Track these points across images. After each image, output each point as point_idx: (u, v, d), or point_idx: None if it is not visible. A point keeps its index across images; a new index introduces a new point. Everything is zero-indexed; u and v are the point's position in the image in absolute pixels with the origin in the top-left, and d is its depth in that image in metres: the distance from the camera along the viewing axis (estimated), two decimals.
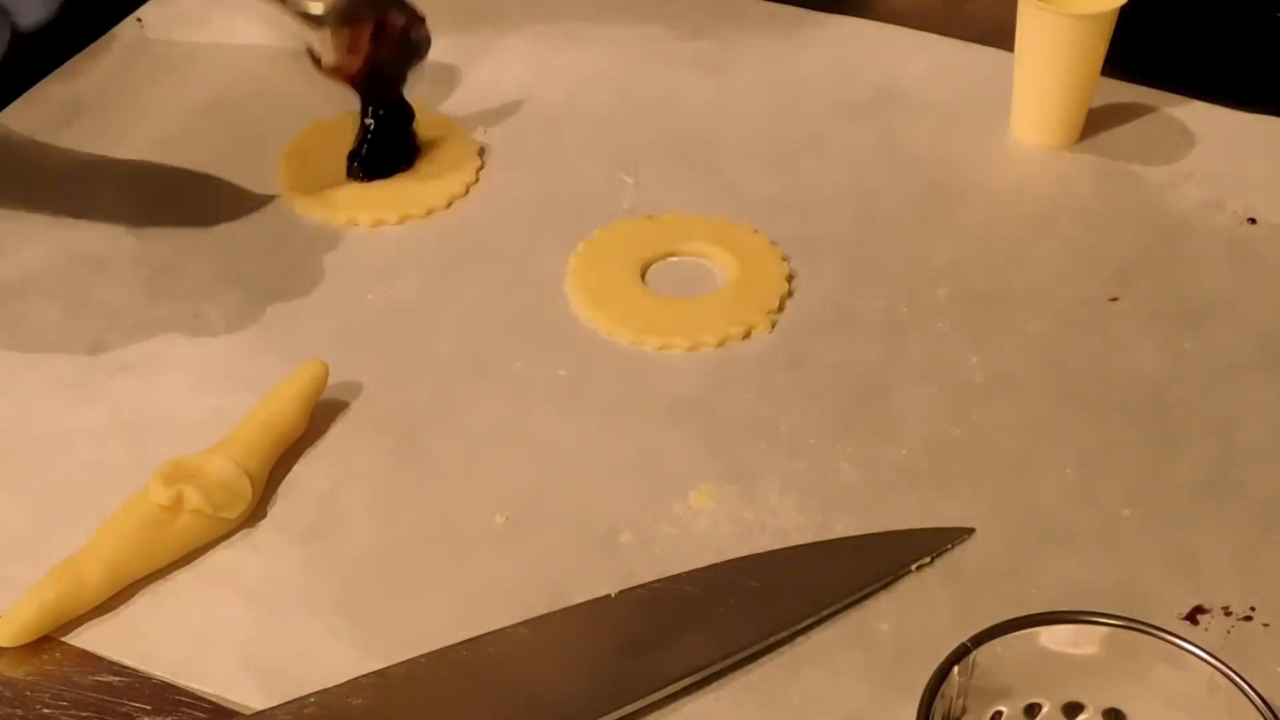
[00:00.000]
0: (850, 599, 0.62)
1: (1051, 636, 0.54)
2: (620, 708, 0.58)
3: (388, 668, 0.59)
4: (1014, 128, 0.85)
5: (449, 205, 0.80)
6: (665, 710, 0.59)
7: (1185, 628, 0.60)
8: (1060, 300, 0.75)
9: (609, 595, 0.61)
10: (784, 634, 0.60)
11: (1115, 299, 0.75)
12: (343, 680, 0.58)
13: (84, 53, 0.89)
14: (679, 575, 0.62)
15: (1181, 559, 0.63)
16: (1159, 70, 0.89)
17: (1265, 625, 0.61)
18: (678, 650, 0.59)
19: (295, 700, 0.58)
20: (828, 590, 0.62)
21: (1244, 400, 0.70)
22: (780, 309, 0.74)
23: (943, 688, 0.52)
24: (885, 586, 0.62)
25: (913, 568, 0.62)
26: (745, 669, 0.60)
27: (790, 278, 0.76)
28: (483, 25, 0.93)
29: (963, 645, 0.53)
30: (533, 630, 0.60)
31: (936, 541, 0.63)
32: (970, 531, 0.64)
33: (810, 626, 0.61)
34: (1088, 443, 0.68)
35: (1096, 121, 0.85)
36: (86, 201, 0.80)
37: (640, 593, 0.62)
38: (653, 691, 0.58)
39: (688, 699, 0.59)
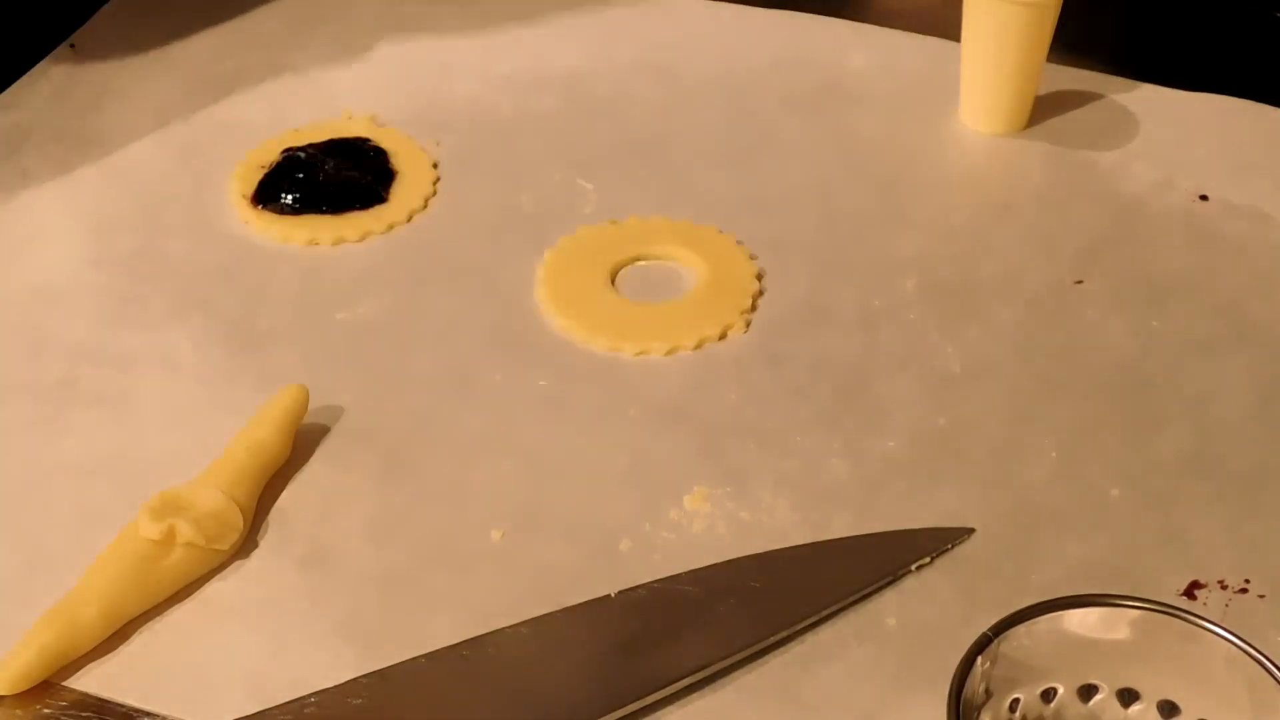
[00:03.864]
0: (850, 599, 0.62)
1: (1069, 620, 0.54)
2: (621, 707, 0.58)
3: (388, 667, 0.59)
4: (963, 116, 0.86)
5: (409, 219, 0.80)
6: (675, 709, 0.58)
7: (1184, 603, 0.61)
8: (1027, 286, 0.76)
9: (609, 595, 0.61)
10: (783, 634, 0.60)
11: (1080, 281, 0.76)
12: None
13: (19, 83, 0.87)
14: (679, 575, 0.62)
15: (1173, 535, 0.64)
16: (1102, 54, 0.90)
17: (1261, 596, 0.62)
18: (678, 650, 0.59)
19: (295, 700, 0.57)
20: (827, 590, 0.62)
21: (1214, 374, 0.72)
22: (753, 308, 0.75)
23: (968, 678, 0.52)
24: (885, 586, 0.62)
25: (912, 568, 0.63)
26: (758, 666, 0.60)
27: (760, 276, 0.76)
28: (425, 36, 0.92)
29: (985, 634, 0.53)
30: (533, 630, 0.60)
31: (936, 541, 0.64)
32: (970, 531, 0.64)
33: (811, 626, 0.61)
34: (1068, 425, 0.69)
35: (1044, 107, 0.86)
36: (36, 236, 0.78)
37: (640, 593, 0.62)
38: (652, 691, 0.58)
39: (698, 698, 0.59)
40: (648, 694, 0.58)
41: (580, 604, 0.61)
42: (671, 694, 0.59)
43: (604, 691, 0.58)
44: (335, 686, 0.58)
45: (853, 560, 0.64)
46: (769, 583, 0.62)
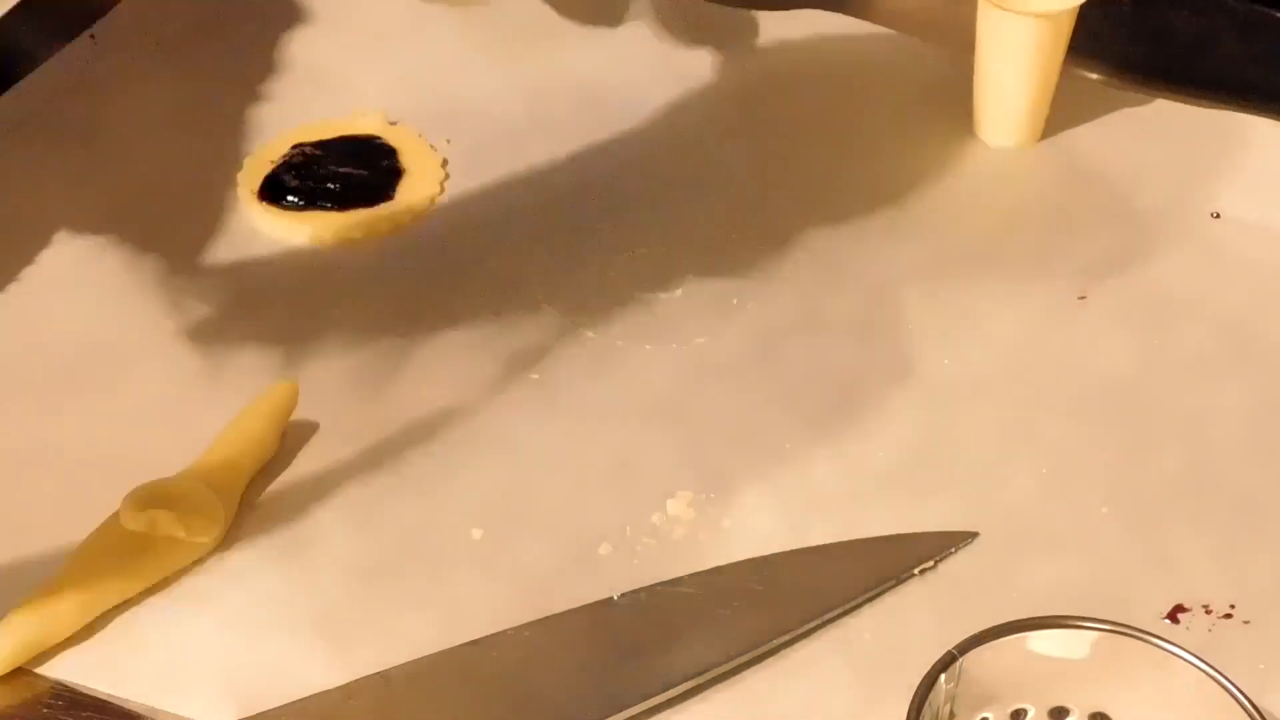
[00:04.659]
0: (853, 602, 0.62)
1: (1037, 641, 0.54)
2: (622, 710, 0.58)
3: (389, 669, 0.59)
4: (976, 127, 0.85)
5: (414, 219, 0.80)
6: None
7: (1166, 627, 0.61)
8: (1029, 300, 0.75)
9: (611, 598, 0.61)
10: (787, 637, 0.60)
11: (1084, 297, 0.75)
12: None
13: (38, 71, 0.88)
14: (681, 578, 0.62)
15: (1160, 557, 0.64)
16: (1119, 65, 0.89)
17: (1245, 623, 0.61)
18: (681, 653, 0.59)
19: (297, 701, 0.58)
20: (832, 593, 0.62)
21: (1215, 396, 0.71)
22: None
23: (930, 696, 0.52)
24: (888, 590, 0.62)
25: (916, 571, 0.62)
26: (727, 679, 0.59)
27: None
28: (443, 38, 0.92)
29: (949, 653, 0.53)
30: (535, 632, 0.60)
31: (939, 545, 0.63)
32: (973, 535, 0.64)
33: (810, 631, 0.61)
34: (1061, 442, 0.68)
35: (1057, 120, 0.85)
36: (43, 222, 0.79)
37: (642, 595, 0.62)
38: (655, 695, 0.58)
39: (671, 712, 0.59)
40: (650, 697, 0.58)
41: (582, 606, 0.61)
42: (657, 705, 0.59)
43: (605, 694, 0.58)
44: (336, 688, 0.58)
45: (856, 564, 0.63)
46: (772, 586, 0.62)
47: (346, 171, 0.80)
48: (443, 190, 0.82)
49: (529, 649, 0.60)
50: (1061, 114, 0.84)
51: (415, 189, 0.81)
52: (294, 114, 0.85)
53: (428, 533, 0.64)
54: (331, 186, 0.79)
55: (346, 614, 0.61)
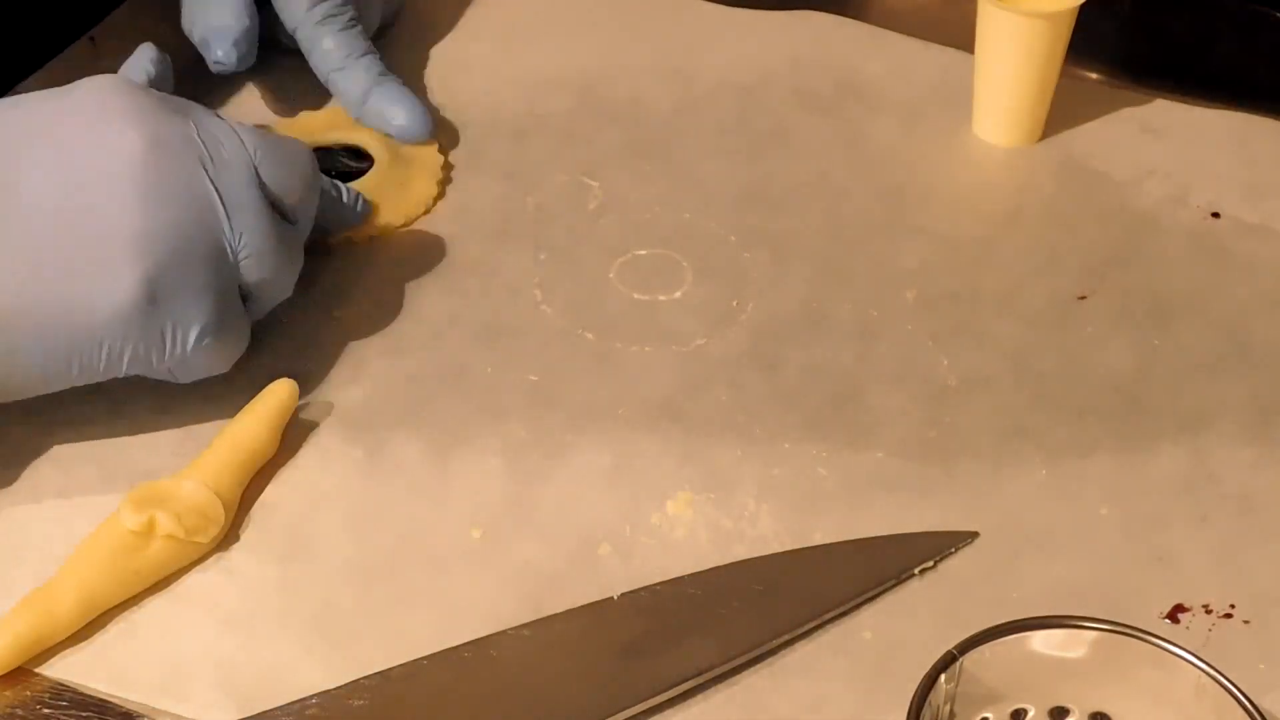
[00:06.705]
0: (853, 602, 0.62)
1: (1038, 641, 0.54)
2: (623, 710, 0.58)
3: (390, 669, 0.59)
4: (976, 127, 0.85)
5: (414, 218, 0.80)
6: None
7: (1166, 627, 0.61)
8: (1029, 300, 0.75)
9: (611, 598, 0.62)
10: (787, 637, 0.60)
11: (1084, 297, 0.75)
12: None
13: (37, 75, 0.88)
14: (682, 578, 0.62)
15: (1160, 557, 0.64)
16: (1119, 65, 0.89)
17: (1246, 623, 0.61)
18: (680, 653, 0.59)
19: (297, 701, 0.58)
20: (832, 593, 0.62)
21: (1215, 395, 0.71)
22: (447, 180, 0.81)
23: (930, 696, 0.52)
24: (888, 590, 0.62)
25: (916, 571, 0.63)
26: (726, 679, 0.59)
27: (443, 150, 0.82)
28: (440, 35, 0.92)
29: (949, 653, 0.53)
30: (535, 632, 0.60)
31: (939, 545, 0.64)
32: (974, 535, 0.64)
33: (810, 631, 0.61)
34: (1061, 442, 0.68)
35: (1057, 119, 0.85)
36: None
37: (643, 595, 0.62)
38: (655, 694, 0.58)
39: (671, 712, 0.59)
40: (650, 697, 0.58)
41: (582, 606, 0.61)
42: (656, 705, 0.59)
43: (606, 694, 0.58)
44: (337, 688, 0.58)
45: (856, 564, 0.63)
46: (772, 586, 0.62)
47: (347, 169, 0.81)
48: (443, 191, 0.82)
49: (529, 649, 0.60)
50: (1061, 114, 0.84)
51: (415, 188, 0.81)
52: (293, 114, 0.85)
53: (427, 533, 0.65)
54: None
55: (346, 614, 0.62)
